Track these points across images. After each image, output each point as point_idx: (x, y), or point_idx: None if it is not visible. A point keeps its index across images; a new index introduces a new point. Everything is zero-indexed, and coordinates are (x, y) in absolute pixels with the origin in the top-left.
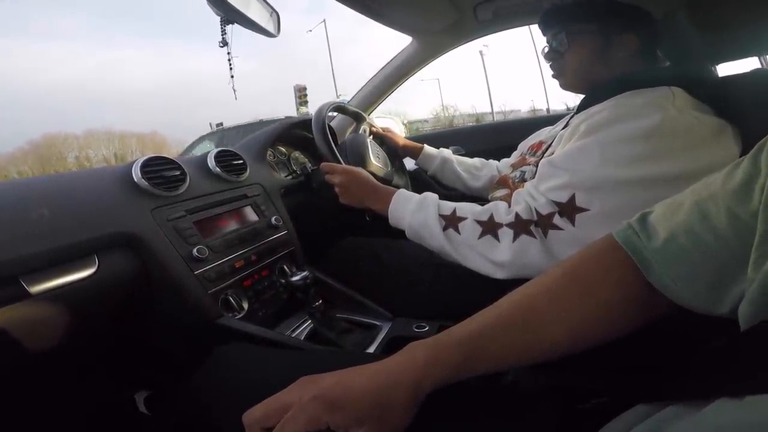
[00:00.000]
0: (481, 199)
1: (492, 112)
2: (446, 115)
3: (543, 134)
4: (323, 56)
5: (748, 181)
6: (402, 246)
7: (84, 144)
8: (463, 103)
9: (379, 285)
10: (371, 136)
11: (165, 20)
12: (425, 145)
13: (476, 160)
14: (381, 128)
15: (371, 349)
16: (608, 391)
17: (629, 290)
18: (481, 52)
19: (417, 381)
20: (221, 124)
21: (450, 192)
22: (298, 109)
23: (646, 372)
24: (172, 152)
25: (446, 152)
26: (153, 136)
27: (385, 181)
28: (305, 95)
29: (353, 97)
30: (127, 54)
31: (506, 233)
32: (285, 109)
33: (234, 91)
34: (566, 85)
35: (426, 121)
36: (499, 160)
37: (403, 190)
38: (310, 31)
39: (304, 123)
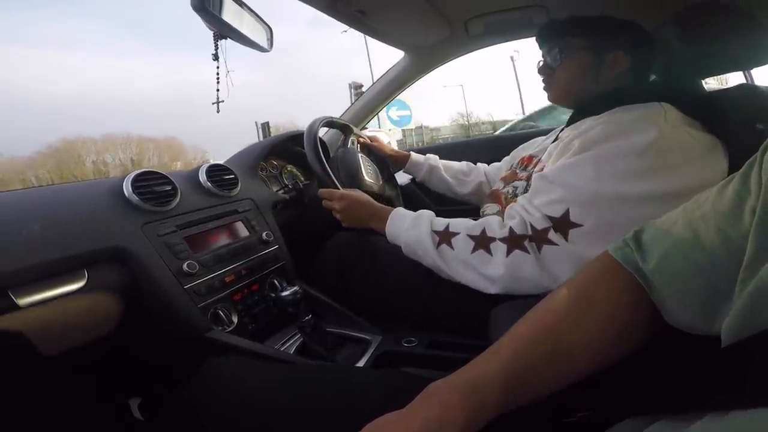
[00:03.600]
0: (468, 204)
1: (521, 119)
2: (464, 122)
3: (533, 146)
4: (330, 67)
5: (738, 202)
6: (398, 251)
7: (102, 148)
8: (484, 110)
9: (369, 289)
10: (359, 147)
11: (179, 30)
12: (411, 153)
13: (463, 165)
14: (368, 137)
15: (361, 363)
16: (595, 405)
17: (640, 310)
18: (512, 58)
19: None
20: (267, 123)
21: (444, 208)
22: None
23: (632, 386)
24: (188, 158)
25: (433, 159)
26: (170, 142)
27: (378, 194)
28: (362, 93)
29: (345, 111)
30: (142, 63)
31: (499, 247)
32: (298, 115)
33: (218, 103)
34: (555, 99)
35: (438, 129)
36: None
37: (399, 209)
38: (345, 31)
39: (296, 137)
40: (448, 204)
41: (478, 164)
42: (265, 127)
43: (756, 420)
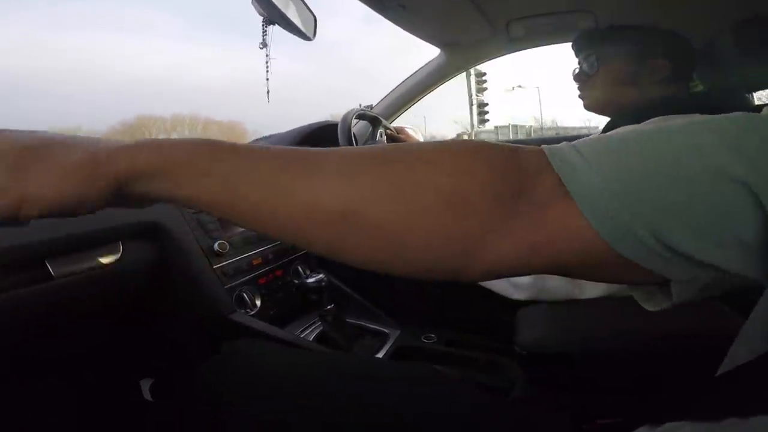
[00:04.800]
0: None
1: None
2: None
3: None
4: (376, 64)
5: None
6: None
7: (171, 127)
8: (551, 115)
9: (389, 283)
10: (387, 140)
11: (245, 22)
12: None
13: None
14: (395, 129)
15: (379, 356)
16: (617, 411)
17: (489, 186)
18: None
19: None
20: (371, 106)
21: None
22: (474, 95)
23: (653, 393)
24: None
25: None
26: (233, 126)
27: None
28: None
29: (377, 104)
30: (213, 50)
31: None
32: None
33: (268, 93)
34: (591, 107)
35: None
36: None
37: None
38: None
39: (328, 127)
40: None
41: None
42: (368, 111)
43: None
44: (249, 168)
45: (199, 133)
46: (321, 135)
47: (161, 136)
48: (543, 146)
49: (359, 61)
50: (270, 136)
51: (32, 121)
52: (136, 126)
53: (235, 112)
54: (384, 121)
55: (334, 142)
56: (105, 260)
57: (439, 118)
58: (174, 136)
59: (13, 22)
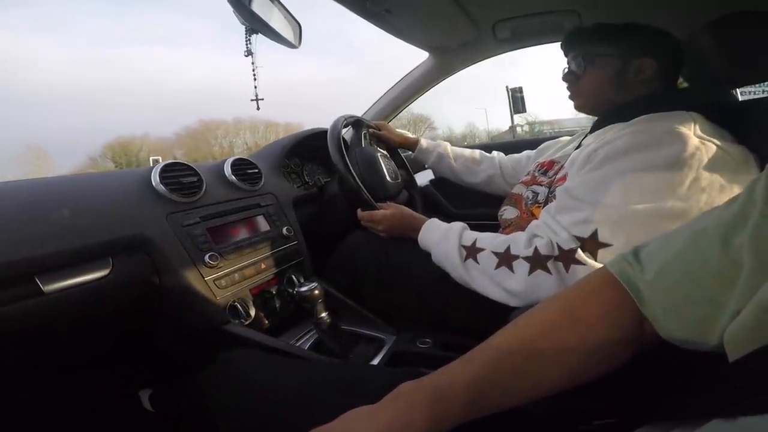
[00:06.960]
0: (478, 190)
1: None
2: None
3: (555, 148)
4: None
5: (743, 212)
6: (411, 252)
7: (233, 131)
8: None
9: (382, 290)
10: (371, 141)
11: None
12: (421, 138)
13: (476, 153)
14: (375, 124)
15: (375, 362)
16: (613, 412)
17: (627, 330)
18: None
19: None
20: (520, 88)
21: (461, 212)
22: None
23: (647, 393)
24: None
25: (443, 146)
26: (289, 127)
27: (397, 193)
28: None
29: (367, 110)
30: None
31: (521, 265)
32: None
33: (258, 100)
34: (580, 107)
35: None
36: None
37: (433, 220)
38: None
39: (318, 135)
40: (463, 207)
41: (494, 153)
42: (517, 93)
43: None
44: (500, 381)
45: (261, 135)
46: (314, 138)
47: (227, 139)
48: (611, 270)
49: (395, 60)
50: (264, 148)
51: (104, 132)
52: (201, 131)
53: (288, 114)
54: (365, 121)
55: (324, 148)
56: (95, 275)
57: (499, 112)
58: (239, 138)
59: (82, 40)
